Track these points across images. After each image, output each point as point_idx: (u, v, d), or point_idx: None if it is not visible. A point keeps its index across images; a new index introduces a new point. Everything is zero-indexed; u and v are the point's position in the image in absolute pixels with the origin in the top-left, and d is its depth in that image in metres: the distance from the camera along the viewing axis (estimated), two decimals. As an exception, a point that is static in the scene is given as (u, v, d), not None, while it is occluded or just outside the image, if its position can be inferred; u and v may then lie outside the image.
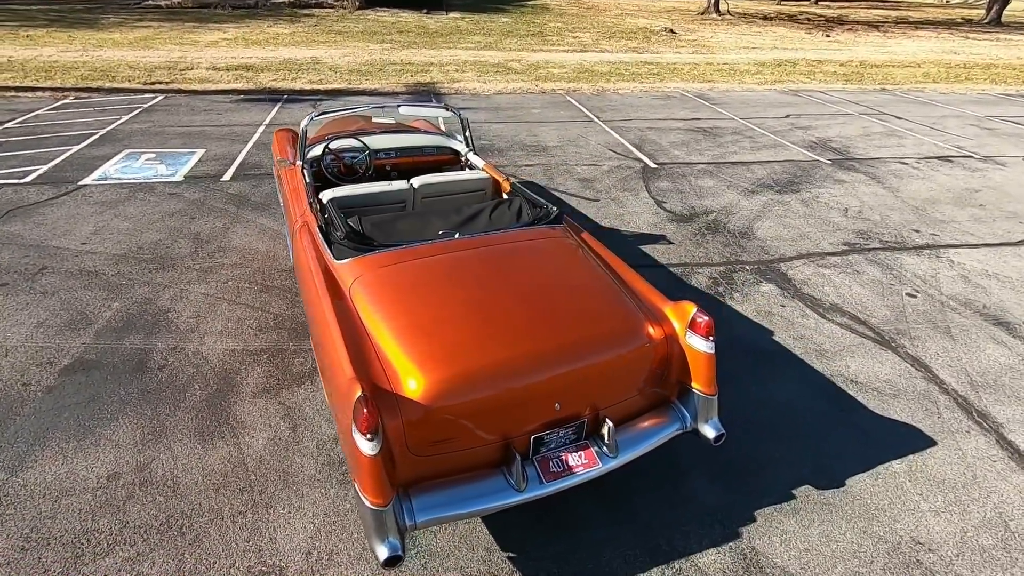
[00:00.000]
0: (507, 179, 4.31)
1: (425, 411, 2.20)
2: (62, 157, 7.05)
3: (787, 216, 6.33)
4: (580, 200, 6.50)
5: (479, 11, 25.06)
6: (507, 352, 2.38)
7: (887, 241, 5.84)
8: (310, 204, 3.73)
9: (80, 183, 6.32)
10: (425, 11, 23.49)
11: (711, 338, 2.62)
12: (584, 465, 2.42)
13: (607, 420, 2.49)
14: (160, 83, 11.03)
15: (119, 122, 8.56)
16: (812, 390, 3.73)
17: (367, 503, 2.05)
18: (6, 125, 8.20)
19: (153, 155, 7.23)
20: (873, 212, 6.52)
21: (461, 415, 2.26)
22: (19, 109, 9.05)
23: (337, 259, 2.95)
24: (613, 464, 2.47)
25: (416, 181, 4.11)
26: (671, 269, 5.13)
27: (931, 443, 3.34)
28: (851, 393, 3.71)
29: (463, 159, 4.94)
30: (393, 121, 5.43)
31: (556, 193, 6.66)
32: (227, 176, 6.70)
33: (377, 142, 4.96)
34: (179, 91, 10.63)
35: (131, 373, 3.58)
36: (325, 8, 23.69)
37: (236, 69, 12.48)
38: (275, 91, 10.94)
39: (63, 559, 2.49)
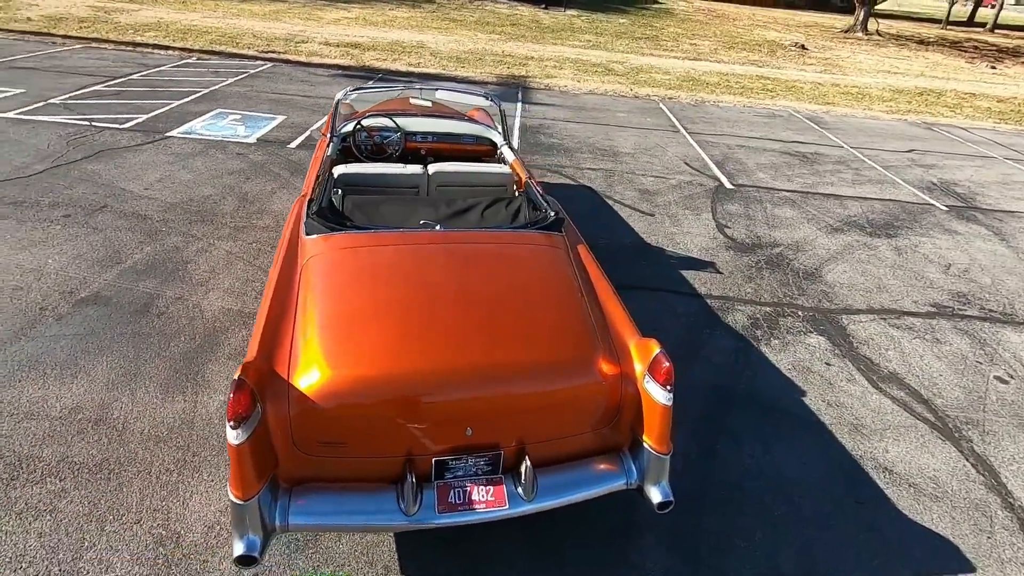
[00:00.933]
0: (529, 177, 4.03)
1: (316, 408, 2.03)
2: (163, 109, 7.70)
3: (870, 262, 5.48)
4: (632, 212, 6.05)
5: (599, 10, 24.57)
6: (425, 361, 2.14)
7: (991, 310, 4.87)
8: (317, 176, 3.70)
9: (167, 134, 6.86)
10: (544, 6, 23.41)
11: (669, 387, 2.22)
12: (488, 503, 2.13)
13: (527, 458, 2.18)
14: (274, 52, 11.80)
15: (224, 84, 9.24)
16: (829, 470, 3.13)
17: (229, 494, 1.92)
18: (131, 76, 9.12)
19: (238, 116, 7.70)
20: (984, 273, 5.49)
21: (356, 419, 2.07)
22: (148, 64, 10.05)
23: (307, 234, 2.86)
24: (526, 509, 2.16)
25: (432, 167, 3.96)
26: (707, 300, 4.59)
27: (968, 569, 2.67)
28: (879, 483, 3.07)
29: (498, 152, 4.73)
30: (431, 104, 5.32)
31: (609, 202, 6.26)
32: (295, 144, 6.97)
33: (414, 124, 4.87)
34: (287, 61, 11.32)
35: (132, 315, 3.75)
36: (449, -4, 24.32)
37: (345, 46, 13.09)
38: (372, 70, 11.33)
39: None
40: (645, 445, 2.28)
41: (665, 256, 5.25)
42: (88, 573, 2.29)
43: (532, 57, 13.99)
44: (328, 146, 4.24)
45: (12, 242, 4.39)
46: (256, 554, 1.93)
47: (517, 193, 3.88)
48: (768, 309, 4.58)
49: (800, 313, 4.57)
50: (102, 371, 3.28)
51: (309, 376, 2.07)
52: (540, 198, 3.40)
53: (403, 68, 11.62)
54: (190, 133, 6.97)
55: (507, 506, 2.13)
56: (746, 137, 9.23)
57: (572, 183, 6.65)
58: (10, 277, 3.99)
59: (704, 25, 24.01)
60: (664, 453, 2.26)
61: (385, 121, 4.57)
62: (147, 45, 11.38)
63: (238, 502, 1.91)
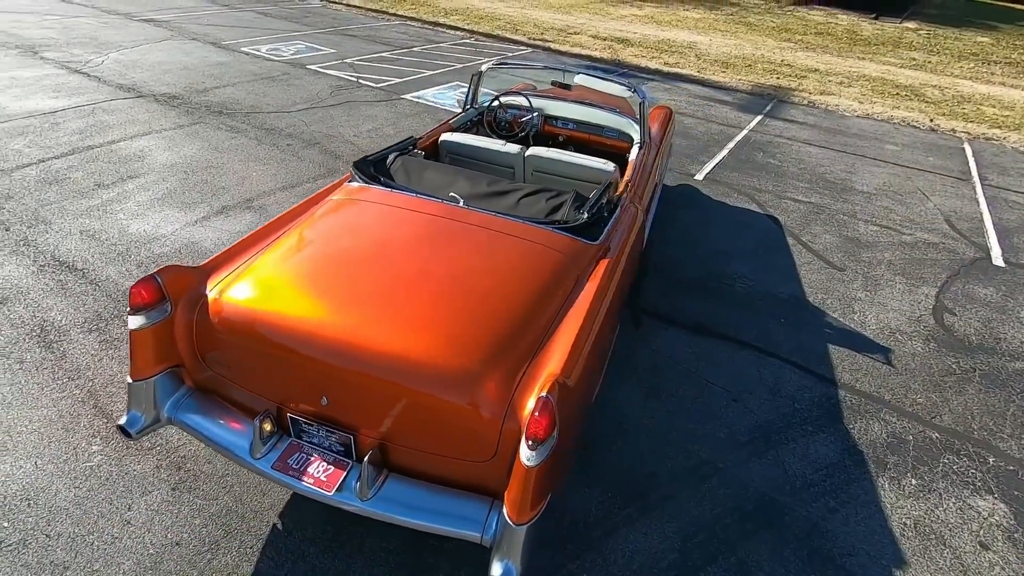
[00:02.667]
0: (632, 182, 3.51)
1: (210, 323, 2.15)
2: (414, 77, 8.92)
3: None
4: (815, 260, 4.78)
5: (950, 24, 19.61)
6: (309, 315, 2.08)
7: None
8: (415, 139, 3.85)
9: (402, 96, 7.94)
10: (874, 16, 19.72)
11: (532, 444, 1.70)
12: (317, 481, 1.98)
13: (369, 454, 1.95)
14: (543, 41, 12.55)
15: (476, 62, 10.23)
16: None
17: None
18: (413, 48, 10.77)
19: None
20: None
21: (235, 348, 2.13)
22: (434, 40, 11.72)
23: (349, 181, 3.02)
24: (351, 506, 1.95)
25: (530, 150, 3.76)
26: (841, 392, 3.39)
27: None
28: None
29: (631, 150, 4.22)
30: (571, 88, 4.97)
31: (791, 241, 5.05)
32: (495, 119, 7.35)
33: (557, 108, 4.66)
34: (548, 49, 11.92)
35: (270, 227, 4.51)
36: None
37: (612, 40, 13.17)
38: (621, 64, 11.18)
39: (104, 311, 3.47)
40: (503, 503, 1.82)
41: (822, 322, 4.03)
42: (100, 397, 2.90)
43: (816, 70, 11.99)
44: (457, 116, 4.35)
45: (242, 154, 5.67)
46: (132, 430, 2.16)
47: (608, 191, 3.37)
48: (935, 435, 3.16)
49: (991, 460, 3.04)
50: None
51: (221, 293, 2.20)
52: (599, 200, 2.92)
53: (654, 66, 11.17)
54: (419, 98, 7.94)
55: (332, 493, 1.96)
56: (1086, 207, 6.39)
57: (755, 210, 5.57)
58: (304, 172, 5.18)
59: (1125, 54, 17.15)
60: (517, 522, 1.77)
61: (521, 100, 4.48)
62: (445, 26, 13.27)
63: (128, 380, 2.17)
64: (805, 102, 9.69)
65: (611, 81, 4.34)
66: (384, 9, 14.41)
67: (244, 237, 2.56)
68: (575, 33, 13.66)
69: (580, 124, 4.65)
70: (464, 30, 12.95)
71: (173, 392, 2.25)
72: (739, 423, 3.11)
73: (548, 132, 4.75)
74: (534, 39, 12.57)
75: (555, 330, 2.17)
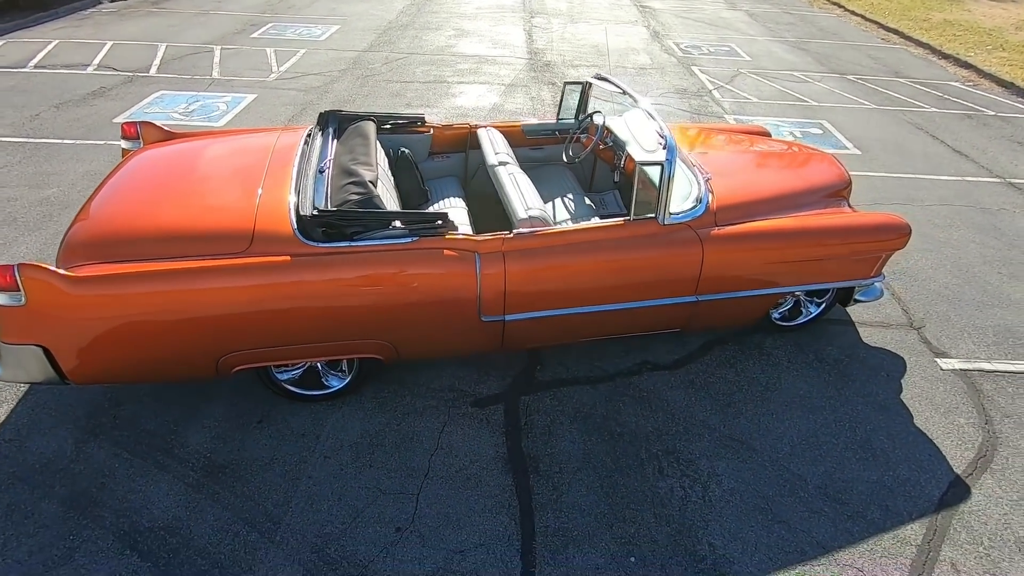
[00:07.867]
0: (514, 242, 2.64)
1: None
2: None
3: None
4: None
5: None
6: (134, 171, 2.98)
7: None
8: (423, 117, 3.79)
9: (727, 116, 6.77)
10: None
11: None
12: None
13: None
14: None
15: (888, 109, 7.36)
16: None
17: None
18: (863, 77, 8.53)
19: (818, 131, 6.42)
20: None
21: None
22: (918, 80, 8.87)
23: None
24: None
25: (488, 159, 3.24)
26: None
27: None
28: None
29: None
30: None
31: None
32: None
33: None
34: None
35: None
36: None
37: None
38: None
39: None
40: None
41: None
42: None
43: None
44: (542, 121, 3.91)
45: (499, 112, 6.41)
46: None
47: (433, 220, 2.65)
48: None
49: None
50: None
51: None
52: (403, 215, 2.60)
53: None
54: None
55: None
56: None
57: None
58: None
59: None
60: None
61: (626, 135, 3.55)
62: (968, 66, 9.63)
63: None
64: None
65: (655, 120, 2.98)
66: (905, 31, 11.42)
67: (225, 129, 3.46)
68: None
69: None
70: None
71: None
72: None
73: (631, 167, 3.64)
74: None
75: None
